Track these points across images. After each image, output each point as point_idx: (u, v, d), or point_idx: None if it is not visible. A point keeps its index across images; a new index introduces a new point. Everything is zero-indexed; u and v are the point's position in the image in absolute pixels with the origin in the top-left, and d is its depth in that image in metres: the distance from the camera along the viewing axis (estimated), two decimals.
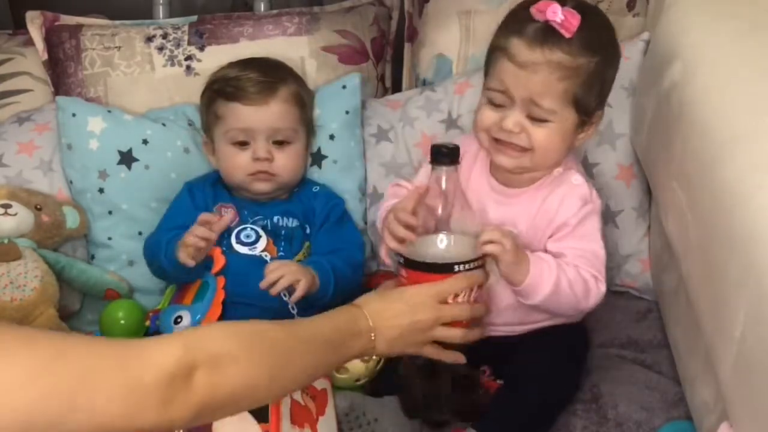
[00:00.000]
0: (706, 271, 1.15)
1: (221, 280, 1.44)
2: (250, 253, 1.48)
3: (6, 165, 1.60)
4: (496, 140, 1.34)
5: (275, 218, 1.52)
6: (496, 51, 1.33)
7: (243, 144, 1.50)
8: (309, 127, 1.59)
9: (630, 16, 1.68)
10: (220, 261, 1.46)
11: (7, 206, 1.49)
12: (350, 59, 1.73)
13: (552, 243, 1.35)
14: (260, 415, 1.18)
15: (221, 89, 1.52)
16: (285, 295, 1.43)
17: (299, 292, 1.39)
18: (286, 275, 1.40)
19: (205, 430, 1.21)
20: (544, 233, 1.36)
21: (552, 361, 1.35)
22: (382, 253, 1.36)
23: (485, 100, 1.35)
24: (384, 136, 1.66)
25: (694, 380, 1.31)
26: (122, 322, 1.53)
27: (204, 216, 1.46)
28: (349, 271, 1.50)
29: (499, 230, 1.28)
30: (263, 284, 1.40)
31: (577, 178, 1.37)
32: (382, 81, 1.80)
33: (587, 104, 1.31)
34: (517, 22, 1.31)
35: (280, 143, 1.51)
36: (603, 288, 1.33)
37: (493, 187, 1.40)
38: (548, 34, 1.27)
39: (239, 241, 1.49)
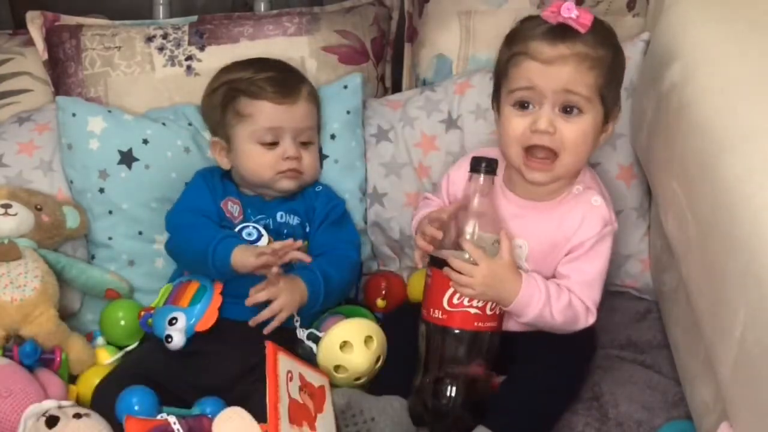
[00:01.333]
0: (706, 271, 1.15)
1: (219, 286, 1.44)
2: None
3: (6, 165, 1.60)
4: (527, 155, 1.35)
5: (278, 215, 1.52)
6: (513, 58, 1.35)
7: (271, 145, 1.50)
8: (320, 127, 1.60)
9: (630, 16, 1.68)
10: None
11: (7, 206, 1.49)
12: (350, 59, 1.73)
13: (564, 262, 1.37)
14: (259, 414, 1.18)
15: (245, 88, 1.51)
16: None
17: (275, 323, 1.39)
18: (282, 312, 1.39)
19: (206, 430, 1.21)
20: (562, 251, 1.38)
21: (558, 360, 1.35)
22: (417, 258, 1.39)
23: (510, 107, 1.36)
24: (384, 136, 1.66)
25: (694, 380, 1.32)
26: (122, 322, 1.53)
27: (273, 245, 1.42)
28: (341, 274, 1.48)
29: (474, 259, 1.30)
30: (248, 302, 1.39)
31: (596, 199, 1.39)
32: (382, 81, 1.80)
33: (611, 98, 1.36)
34: (527, 30, 1.34)
35: (304, 144, 1.53)
36: (591, 320, 1.37)
37: (510, 200, 1.41)
38: (566, 31, 1.31)
39: (241, 239, 1.49)
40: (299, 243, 1.39)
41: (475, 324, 1.31)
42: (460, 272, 1.30)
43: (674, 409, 1.35)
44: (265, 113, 1.50)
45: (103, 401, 1.31)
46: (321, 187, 1.59)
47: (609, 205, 1.39)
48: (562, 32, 1.31)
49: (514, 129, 1.36)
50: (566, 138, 1.33)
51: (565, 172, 1.37)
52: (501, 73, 1.39)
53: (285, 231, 1.52)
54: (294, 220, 1.53)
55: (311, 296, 1.42)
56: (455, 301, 1.31)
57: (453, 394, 1.31)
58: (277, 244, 1.39)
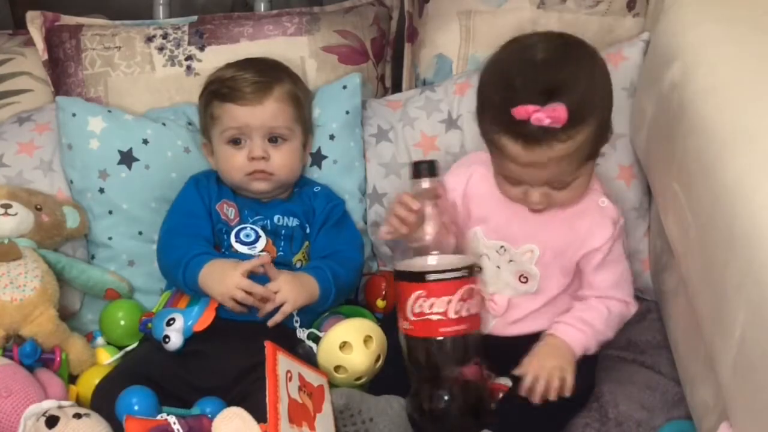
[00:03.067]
0: (706, 271, 1.15)
1: None
2: (249, 252, 1.48)
3: (6, 165, 1.60)
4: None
5: (275, 217, 1.52)
6: (491, 142, 1.31)
7: (238, 142, 1.50)
8: (306, 126, 1.58)
9: (630, 16, 1.68)
10: None
11: (7, 206, 1.49)
12: (350, 59, 1.73)
13: (587, 273, 1.39)
14: (259, 414, 1.18)
15: (217, 90, 1.52)
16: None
17: (279, 316, 1.39)
18: (285, 304, 1.39)
19: (206, 430, 1.21)
20: (575, 254, 1.39)
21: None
22: (383, 232, 1.38)
23: (501, 177, 1.35)
24: (384, 136, 1.66)
25: (694, 380, 1.32)
26: (122, 322, 1.53)
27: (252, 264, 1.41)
28: (348, 275, 1.49)
29: (535, 379, 1.31)
30: (261, 314, 1.39)
31: (603, 200, 1.40)
32: (382, 81, 1.80)
33: (599, 148, 1.33)
34: (501, 116, 1.26)
35: (275, 141, 1.51)
36: (634, 309, 1.44)
37: (519, 205, 1.40)
38: (542, 133, 1.23)
39: (239, 240, 1.49)
40: (266, 258, 1.41)
41: (440, 330, 1.30)
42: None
43: (674, 409, 1.35)
44: (229, 114, 1.50)
45: (103, 401, 1.31)
46: (319, 188, 1.59)
47: (614, 201, 1.41)
48: (538, 136, 1.23)
49: (508, 192, 1.36)
50: (562, 201, 1.35)
51: (566, 208, 1.38)
52: (485, 140, 1.34)
53: (283, 232, 1.52)
54: (292, 222, 1.53)
55: (322, 293, 1.43)
56: (416, 310, 1.30)
57: (448, 399, 1.30)
58: (254, 262, 1.39)
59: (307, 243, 1.53)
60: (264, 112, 1.50)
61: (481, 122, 1.32)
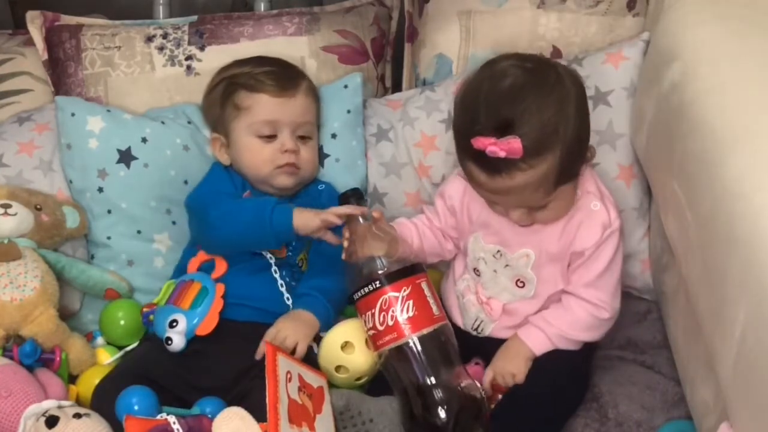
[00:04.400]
0: (706, 271, 1.15)
1: (221, 288, 1.43)
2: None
3: (6, 165, 1.60)
4: None
5: None
6: (463, 166, 1.33)
7: (269, 138, 1.50)
8: (320, 125, 1.60)
9: (630, 16, 1.68)
10: (222, 266, 1.45)
11: (6, 206, 1.49)
12: (350, 59, 1.73)
13: (569, 272, 1.39)
14: (259, 414, 1.18)
15: (244, 82, 1.52)
16: (288, 300, 1.45)
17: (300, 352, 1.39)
18: (298, 345, 1.39)
19: (205, 430, 1.21)
20: (566, 258, 1.39)
21: (562, 366, 1.36)
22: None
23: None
24: (384, 135, 1.66)
25: (694, 380, 1.32)
26: (122, 322, 1.53)
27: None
28: (337, 281, 1.46)
29: (496, 380, 1.35)
30: (258, 355, 1.38)
31: (596, 204, 1.38)
32: (382, 81, 1.80)
33: (574, 170, 1.32)
34: (467, 145, 1.27)
35: (302, 138, 1.52)
36: (607, 315, 1.39)
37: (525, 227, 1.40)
38: (502, 163, 1.24)
39: None
40: (364, 209, 1.39)
41: (377, 343, 1.32)
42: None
43: (674, 409, 1.35)
44: (262, 105, 1.50)
45: (103, 401, 1.31)
46: (323, 186, 1.59)
47: (609, 204, 1.39)
48: (498, 165, 1.25)
49: (494, 209, 1.38)
50: (544, 219, 1.35)
51: (557, 220, 1.38)
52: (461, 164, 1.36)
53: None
54: None
55: (323, 321, 1.43)
56: (368, 325, 1.33)
57: (442, 409, 1.29)
58: (339, 209, 1.39)
59: (310, 241, 1.53)
60: (296, 106, 1.52)
61: (456, 147, 1.34)
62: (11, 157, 1.60)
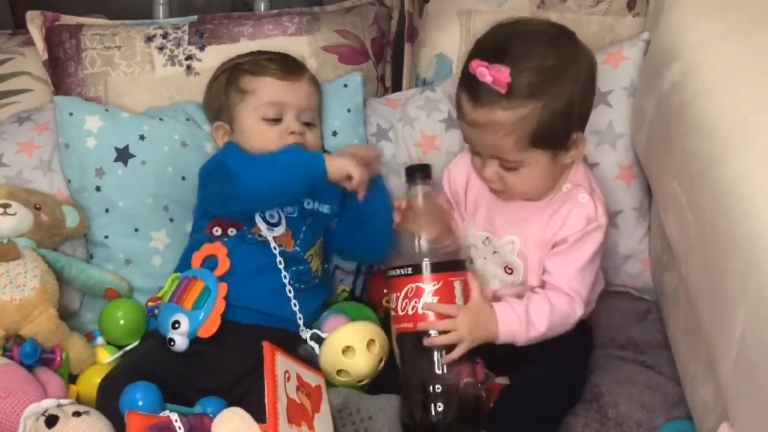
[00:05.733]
0: (706, 271, 1.15)
1: (223, 288, 1.41)
2: (266, 233, 1.46)
3: (6, 165, 1.60)
4: None
5: (305, 201, 1.52)
6: (456, 101, 1.36)
7: (274, 121, 1.51)
8: (321, 120, 1.61)
9: (630, 16, 1.68)
10: (224, 264, 1.44)
11: (6, 206, 1.49)
12: (350, 59, 1.73)
13: (548, 256, 1.38)
14: (258, 414, 1.18)
15: (248, 68, 1.54)
16: (295, 306, 1.44)
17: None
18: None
19: (206, 428, 1.21)
20: (548, 247, 1.38)
21: (559, 363, 1.36)
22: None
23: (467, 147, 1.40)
24: (384, 135, 1.66)
25: (694, 380, 1.32)
26: (122, 321, 1.53)
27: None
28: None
29: (449, 310, 1.32)
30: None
31: (584, 196, 1.39)
32: (382, 81, 1.80)
33: (553, 139, 1.32)
34: (465, 75, 1.31)
35: (306, 124, 1.53)
36: (580, 310, 1.37)
37: (498, 198, 1.41)
38: (487, 93, 1.27)
39: (263, 218, 1.48)
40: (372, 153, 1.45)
41: (395, 326, 1.34)
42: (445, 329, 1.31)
43: (674, 409, 1.35)
44: (268, 88, 1.51)
45: (108, 396, 1.30)
46: None
47: (598, 201, 1.39)
48: (484, 93, 1.27)
49: (474, 165, 1.39)
50: (514, 186, 1.35)
51: (525, 199, 1.39)
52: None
53: (309, 221, 1.51)
54: (324, 208, 1.53)
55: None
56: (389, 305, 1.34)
57: (442, 407, 1.29)
58: (360, 151, 1.42)
59: (321, 239, 1.53)
60: (300, 90, 1.53)
61: (456, 90, 1.36)
62: (11, 157, 1.60)
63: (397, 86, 1.83)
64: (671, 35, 1.42)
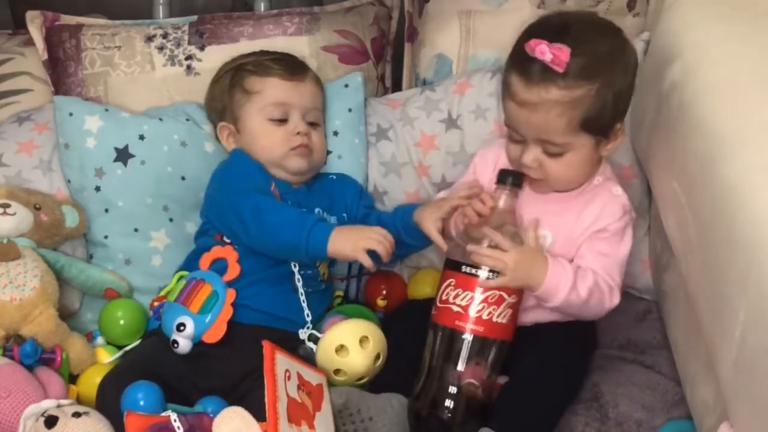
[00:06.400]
0: (706, 271, 1.15)
1: (231, 295, 1.41)
2: None
3: (5, 165, 1.60)
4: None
5: (316, 210, 1.51)
6: (503, 84, 1.37)
7: (280, 122, 1.51)
8: (324, 120, 1.62)
9: (630, 16, 1.68)
10: (234, 270, 1.44)
11: (6, 206, 1.49)
12: (350, 59, 1.73)
13: (587, 244, 1.39)
14: (258, 413, 1.18)
15: (253, 68, 1.54)
16: (307, 312, 1.45)
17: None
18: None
19: (206, 428, 1.21)
20: (581, 241, 1.39)
21: (558, 357, 1.36)
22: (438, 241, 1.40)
23: (506, 133, 1.40)
24: (384, 135, 1.66)
25: (694, 380, 1.31)
26: (122, 321, 1.53)
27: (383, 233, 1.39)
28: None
29: (501, 248, 1.31)
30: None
31: (617, 189, 1.41)
32: (382, 81, 1.80)
33: (600, 125, 1.33)
34: (517, 54, 1.33)
35: (311, 124, 1.54)
36: (616, 300, 1.39)
37: (532, 190, 1.41)
38: (542, 72, 1.29)
39: None
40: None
41: (456, 323, 1.31)
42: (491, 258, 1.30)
43: (674, 409, 1.35)
44: (273, 88, 1.52)
45: (109, 395, 1.30)
46: (334, 176, 1.60)
47: (629, 198, 1.42)
48: (540, 72, 1.29)
49: (509, 153, 1.40)
50: (552, 172, 1.36)
51: (560, 189, 1.39)
52: (502, 86, 1.40)
53: None
54: (332, 219, 1.53)
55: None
56: (443, 296, 1.33)
57: (449, 411, 1.30)
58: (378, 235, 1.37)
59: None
60: (306, 89, 1.55)
61: (503, 71, 1.37)
62: (11, 157, 1.60)
63: (397, 86, 1.83)
64: (671, 35, 1.42)
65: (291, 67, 1.55)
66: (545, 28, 1.32)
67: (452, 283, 1.33)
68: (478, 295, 1.31)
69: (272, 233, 1.40)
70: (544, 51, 1.27)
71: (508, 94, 1.34)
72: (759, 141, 1.11)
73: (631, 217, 1.41)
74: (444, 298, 1.33)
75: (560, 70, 1.27)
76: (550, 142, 1.33)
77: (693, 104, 1.26)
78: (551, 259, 1.35)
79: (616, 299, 1.39)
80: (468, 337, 1.31)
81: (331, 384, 1.36)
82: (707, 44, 1.33)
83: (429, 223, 1.39)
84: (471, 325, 1.31)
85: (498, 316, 1.32)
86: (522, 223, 1.38)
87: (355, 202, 1.56)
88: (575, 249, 1.39)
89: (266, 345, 1.26)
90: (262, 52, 1.60)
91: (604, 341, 1.49)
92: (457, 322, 1.31)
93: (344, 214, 1.54)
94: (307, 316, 1.45)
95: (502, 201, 1.36)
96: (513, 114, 1.35)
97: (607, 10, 1.67)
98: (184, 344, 1.38)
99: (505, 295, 1.32)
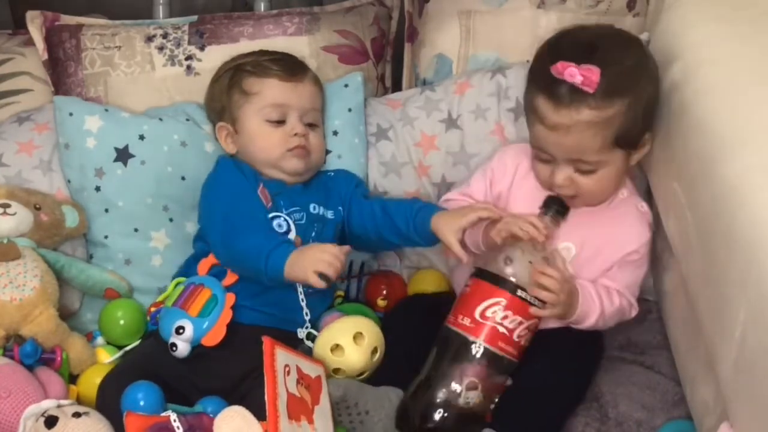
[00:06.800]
0: (706, 271, 1.15)
1: (231, 299, 1.41)
2: None
3: (5, 165, 1.60)
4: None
5: (311, 206, 1.51)
6: (528, 107, 1.35)
7: (278, 123, 1.51)
8: (324, 119, 1.61)
9: (630, 16, 1.68)
10: (233, 275, 1.44)
11: (6, 206, 1.49)
12: (350, 59, 1.73)
13: (618, 267, 1.40)
14: (259, 413, 1.18)
15: (251, 69, 1.54)
16: (307, 313, 1.44)
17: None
18: None
19: (206, 428, 1.21)
20: (611, 256, 1.40)
21: (565, 363, 1.36)
22: (460, 253, 1.38)
23: (534, 153, 1.38)
24: (384, 135, 1.66)
25: (694, 380, 1.32)
26: (122, 321, 1.53)
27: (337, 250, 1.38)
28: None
29: (559, 278, 1.31)
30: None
31: (643, 205, 1.43)
32: (382, 81, 1.80)
33: (632, 138, 1.33)
34: (541, 75, 1.31)
35: (309, 125, 1.54)
36: (635, 313, 1.43)
37: (569, 204, 1.41)
38: (572, 93, 1.27)
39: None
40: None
41: (499, 344, 1.31)
42: (545, 288, 1.30)
43: (674, 409, 1.35)
44: (271, 89, 1.52)
45: (108, 396, 1.30)
46: (332, 173, 1.60)
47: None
48: (569, 95, 1.27)
49: (539, 174, 1.39)
50: (585, 189, 1.35)
51: (591, 205, 1.40)
52: (525, 109, 1.39)
53: (316, 226, 1.50)
54: (329, 214, 1.52)
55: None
56: (487, 313, 1.31)
57: (439, 422, 1.29)
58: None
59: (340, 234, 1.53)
60: (304, 90, 1.54)
61: (526, 93, 1.36)
62: (11, 157, 1.60)
63: (397, 86, 1.83)
64: (671, 35, 1.42)
65: (290, 67, 1.55)
66: (570, 48, 1.30)
67: (502, 304, 1.31)
68: (525, 320, 1.32)
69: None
70: (573, 74, 1.26)
71: (537, 118, 1.33)
72: (759, 141, 1.11)
73: (653, 230, 1.43)
74: (489, 315, 1.31)
75: (591, 91, 1.26)
76: (583, 161, 1.32)
77: (693, 104, 1.26)
78: (580, 287, 1.36)
79: (634, 312, 1.43)
80: (506, 358, 1.32)
81: (330, 376, 1.36)
82: (707, 44, 1.33)
83: (450, 234, 1.38)
84: (512, 348, 1.32)
85: (525, 341, 1.33)
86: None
87: (350, 194, 1.55)
88: (598, 264, 1.40)
89: (266, 340, 1.26)
90: (261, 52, 1.60)
91: (604, 341, 1.49)
92: (500, 343, 1.31)
93: (340, 208, 1.54)
94: (306, 315, 1.44)
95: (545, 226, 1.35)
96: (542, 136, 1.33)
97: (607, 10, 1.67)
98: (182, 348, 1.38)
99: (537, 321, 1.33)
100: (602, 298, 1.38)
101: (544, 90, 1.31)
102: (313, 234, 1.50)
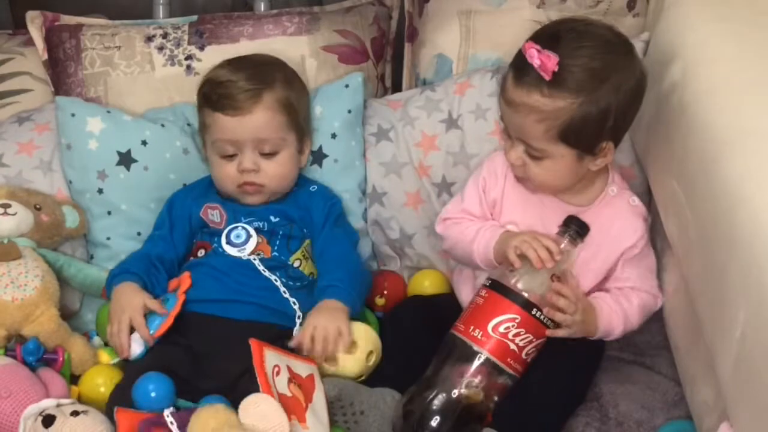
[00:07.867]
0: (706, 271, 1.15)
1: (181, 298, 1.43)
2: (237, 254, 1.47)
3: (6, 165, 1.60)
4: None
5: (271, 218, 1.52)
6: (502, 78, 1.39)
7: (231, 156, 1.49)
8: (302, 130, 1.55)
9: (630, 16, 1.68)
10: (186, 283, 1.45)
11: (6, 206, 1.49)
12: (350, 59, 1.72)
13: (622, 265, 1.41)
14: None
15: (208, 96, 1.50)
16: (294, 302, 1.45)
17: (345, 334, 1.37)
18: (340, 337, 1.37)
19: None
20: (609, 256, 1.41)
21: (566, 363, 1.36)
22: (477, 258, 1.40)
23: (503, 127, 1.41)
24: (384, 135, 1.66)
25: (694, 380, 1.32)
26: None
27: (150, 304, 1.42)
28: (362, 276, 1.50)
29: (573, 298, 1.32)
30: (294, 343, 1.37)
31: (634, 199, 1.44)
32: (382, 81, 1.80)
33: (582, 141, 1.32)
34: (519, 54, 1.34)
35: (268, 155, 1.49)
36: (660, 302, 1.44)
37: (549, 205, 1.42)
38: (532, 76, 1.29)
39: (229, 242, 1.49)
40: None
41: (507, 360, 1.31)
42: (561, 309, 1.31)
43: (674, 409, 1.35)
44: (220, 126, 1.48)
45: (122, 396, 1.30)
46: (315, 187, 1.58)
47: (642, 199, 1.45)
48: (528, 75, 1.30)
49: (504, 147, 1.42)
50: (532, 174, 1.37)
51: (545, 192, 1.41)
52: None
53: (281, 232, 1.51)
54: (294, 230, 1.52)
55: (350, 306, 1.42)
56: (500, 329, 1.31)
57: (438, 426, 1.29)
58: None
59: (307, 241, 1.53)
60: (253, 122, 1.47)
61: (507, 68, 1.38)
62: (11, 157, 1.60)
63: (397, 86, 1.82)
64: (671, 35, 1.42)
65: (239, 99, 1.46)
66: (542, 34, 1.33)
67: (516, 321, 1.31)
68: (535, 339, 1.32)
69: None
70: (533, 56, 1.28)
71: (501, 88, 1.37)
72: (759, 141, 1.11)
73: (649, 221, 1.43)
74: (502, 331, 1.31)
75: (546, 77, 1.28)
76: (529, 145, 1.34)
77: (693, 104, 1.26)
78: (596, 303, 1.37)
79: (660, 301, 1.44)
80: (511, 374, 1.32)
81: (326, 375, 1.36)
82: (707, 44, 1.33)
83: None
84: (519, 365, 1.32)
85: (532, 359, 1.34)
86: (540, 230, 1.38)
87: (319, 223, 1.53)
88: (596, 264, 1.41)
89: (253, 343, 1.25)
90: (232, 67, 1.52)
91: (604, 342, 1.49)
92: (509, 359, 1.31)
93: (305, 230, 1.53)
94: (294, 303, 1.44)
95: (562, 247, 1.34)
96: (501, 109, 1.38)
97: (607, 10, 1.67)
98: (134, 348, 1.40)
99: (545, 340, 1.34)
100: (621, 304, 1.39)
101: (513, 65, 1.34)
102: (278, 239, 1.50)
